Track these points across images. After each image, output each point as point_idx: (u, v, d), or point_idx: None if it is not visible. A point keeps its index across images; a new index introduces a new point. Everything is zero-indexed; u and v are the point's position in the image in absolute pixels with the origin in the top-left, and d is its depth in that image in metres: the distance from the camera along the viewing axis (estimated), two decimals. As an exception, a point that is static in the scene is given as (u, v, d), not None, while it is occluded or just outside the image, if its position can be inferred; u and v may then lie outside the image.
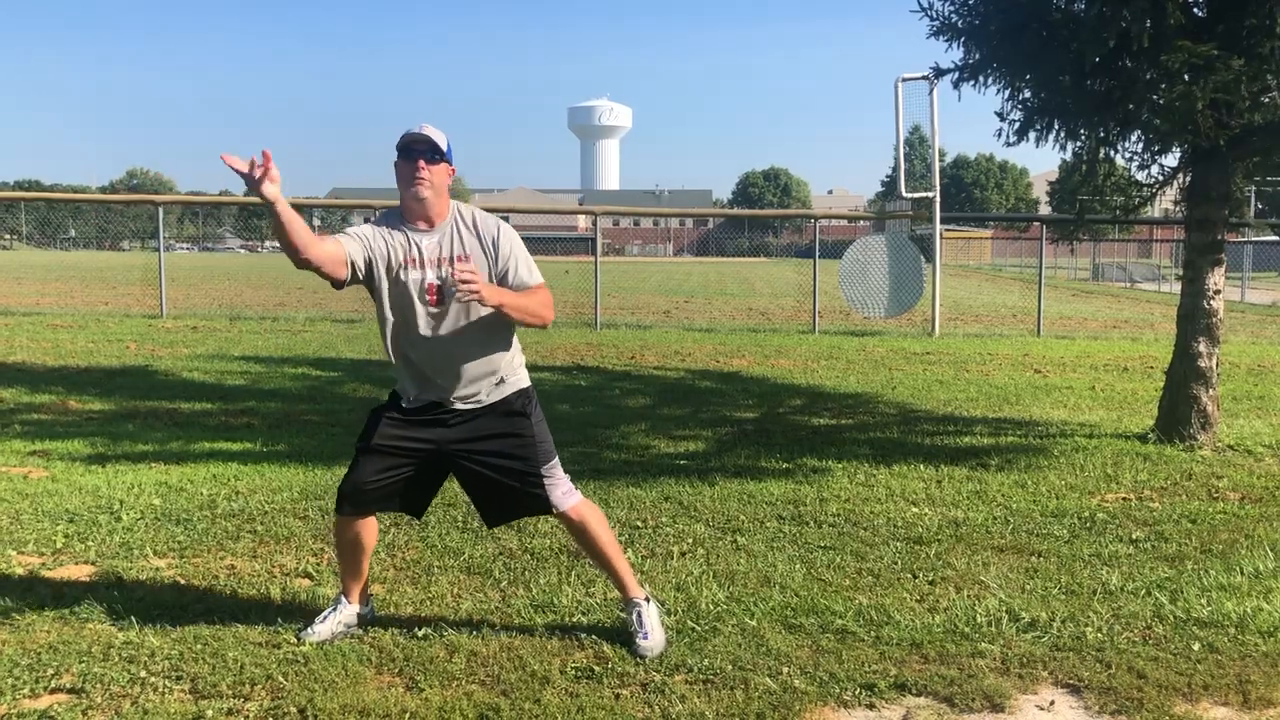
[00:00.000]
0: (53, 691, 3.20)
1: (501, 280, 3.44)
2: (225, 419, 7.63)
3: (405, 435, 3.52)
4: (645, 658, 3.47)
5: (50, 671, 3.31)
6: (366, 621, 3.75)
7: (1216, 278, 7.01)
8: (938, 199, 15.13)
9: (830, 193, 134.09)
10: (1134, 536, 4.96)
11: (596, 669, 3.41)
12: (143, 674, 3.31)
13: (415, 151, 3.36)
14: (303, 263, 3.25)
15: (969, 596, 4.12)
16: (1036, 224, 17.87)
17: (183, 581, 4.17)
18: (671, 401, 8.81)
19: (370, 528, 3.67)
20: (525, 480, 3.51)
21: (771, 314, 19.19)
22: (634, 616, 3.59)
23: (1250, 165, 7.27)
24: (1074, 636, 3.72)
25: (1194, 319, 7.02)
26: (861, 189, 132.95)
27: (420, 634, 3.66)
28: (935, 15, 7.64)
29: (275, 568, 4.37)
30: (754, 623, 3.80)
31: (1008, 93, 7.23)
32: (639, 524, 5.02)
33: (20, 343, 12.20)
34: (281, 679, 3.30)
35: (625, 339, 13.98)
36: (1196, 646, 3.64)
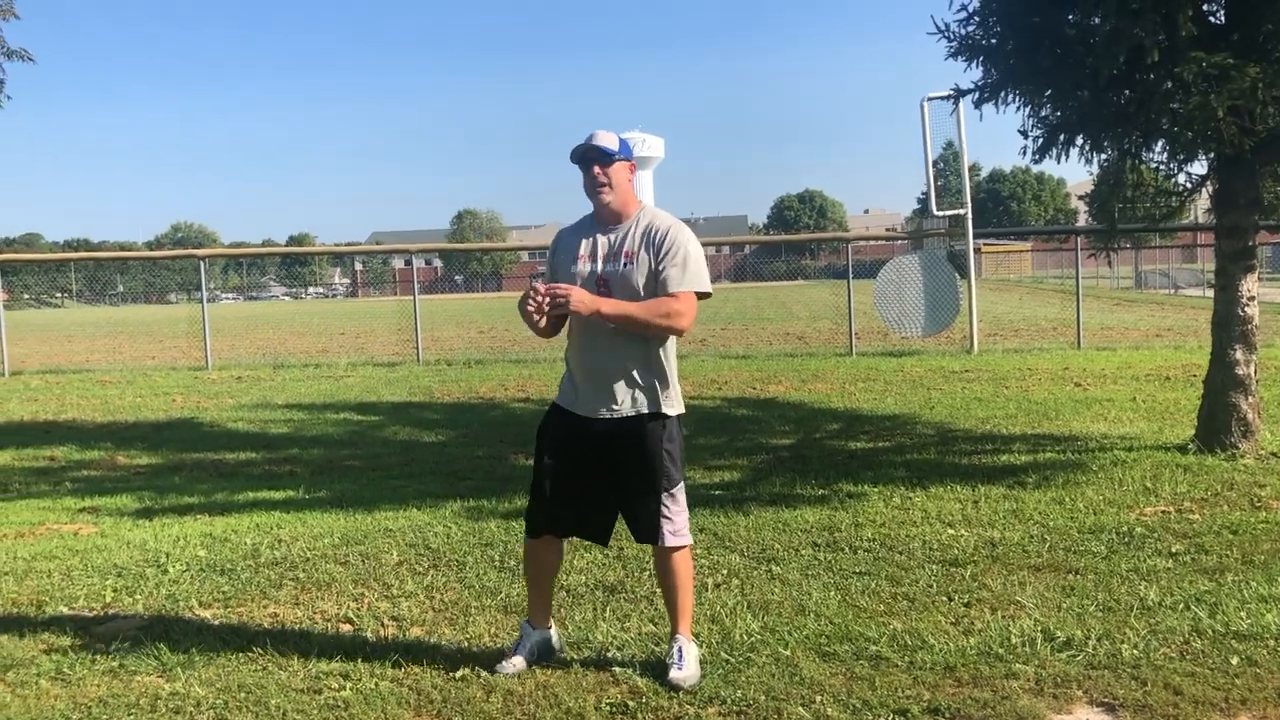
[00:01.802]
0: (102, 744, 3.29)
1: (653, 281, 3.53)
2: (269, 467, 7.77)
3: (565, 450, 3.66)
4: (679, 688, 3.51)
5: (100, 725, 3.41)
6: (555, 648, 3.84)
7: (1249, 283, 6.95)
8: (969, 216, 15.09)
9: (866, 212, 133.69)
10: (1173, 550, 4.92)
11: (631, 704, 3.44)
12: (189, 724, 3.39)
13: (590, 160, 3.56)
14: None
15: (1004, 617, 4.12)
16: (1073, 235, 17.75)
17: (227, 631, 4.26)
18: (707, 431, 8.85)
19: (558, 550, 3.83)
20: (649, 500, 3.60)
21: (808, 337, 19.18)
22: (675, 650, 3.64)
23: (1278, 169, 7.22)
24: (1109, 654, 3.70)
25: (1229, 326, 6.96)
26: (898, 207, 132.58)
27: (458, 675, 3.71)
28: (953, 36, 7.68)
29: (316, 614, 4.45)
30: (788, 652, 3.82)
31: (1028, 110, 7.25)
32: (674, 557, 5.05)
33: (71, 401, 12.49)
34: (323, 724, 3.37)
35: (662, 370, 14.02)
36: (1235, 660, 3.62)
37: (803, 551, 5.10)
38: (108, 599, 4.72)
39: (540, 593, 3.86)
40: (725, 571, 4.81)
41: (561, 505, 3.69)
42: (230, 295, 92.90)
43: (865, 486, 6.40)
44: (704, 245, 3.79)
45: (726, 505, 6.00)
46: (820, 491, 6.34)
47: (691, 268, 3.54)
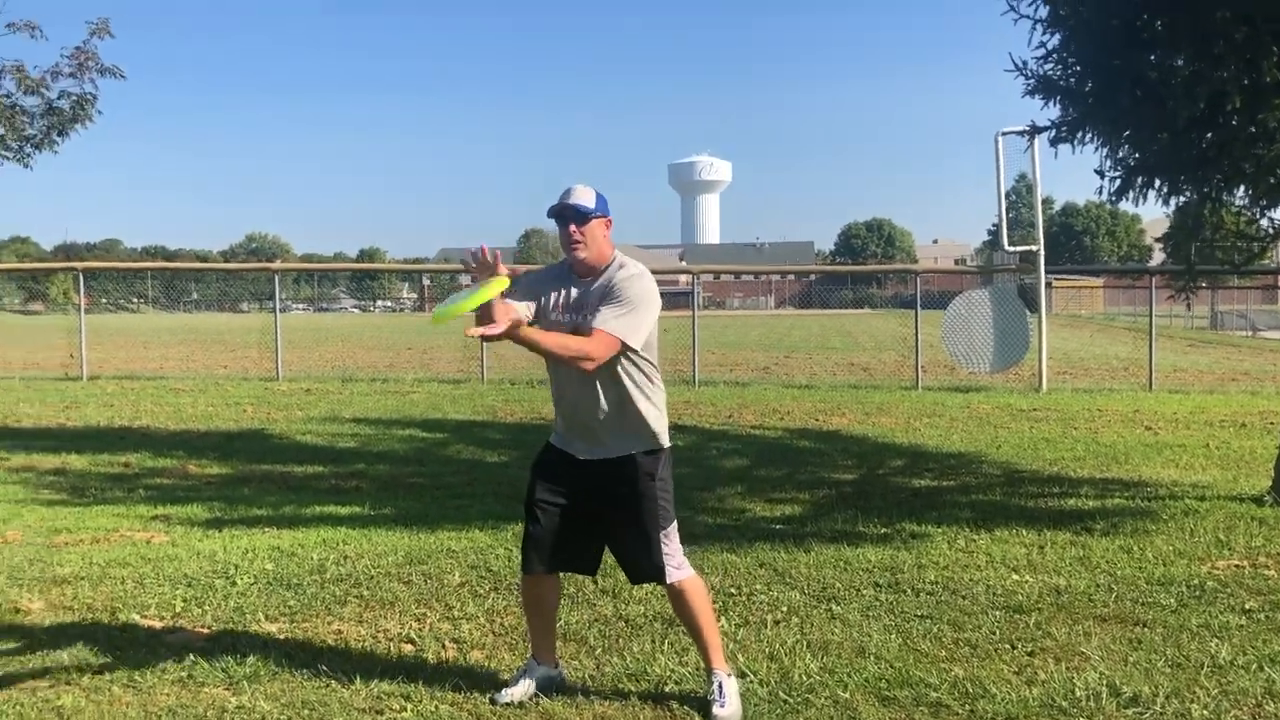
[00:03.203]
0: (171, 754, 3.37)
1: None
2: (335, 482, 7.90)
3: (556, 487, 3.70)
4: None
5: (169, 734, 3.49)
6: (556, 684, 3.85)
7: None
8: (1042, 252, 14.90)
9: (935, 242, 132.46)
10: (1246, 606, 4.81)
11: (688, 740, 3.45)
12: (254, 738, 3.46)
13: (565, 218, 3.60)
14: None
15: (1068, 669, 4.05)
16: (1148, 275, 17.42)
17: (292, 646, 4.34)
18: (769, 462, 8.82)
19: (554, 586, 3.86)
20: (645, 542, 3.62)
21: (873, 369, 19.03)
22: (715, 686, 3.64)
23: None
24: (1178, 714, 3.63)
25: (1310, 377, 6.79)
26: (967, 238, 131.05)
27: (517, 702, 3.74)
28: (1030, 74, 7.63)
29: (379, 633, 4.51)
30: (847, 695, 3.80)
31: (1105, 151, 7.16)
32: (733, 591, 5.05)
33: (145, 407, 12.80)
34: (383, 745, 3.42)
35: (723, 397, 14.02)
36: (1309, 726, 3.52)
37: (864, 591, 5.06)
38: (178, 608, 4.83)
39: (542, 628, 3.88)
40: (785, 609, 4.79)
41: (553, 541, 3.72)
42: (301, 306, 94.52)
43: (929, 526, 6.34)
44: (769, 272, 3.79)
45: (787, 540, 5.98)
46: (883, 530, 6.29)
47: (623, 314, 3.49)
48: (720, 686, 3.63)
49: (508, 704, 3.70)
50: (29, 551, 5.78)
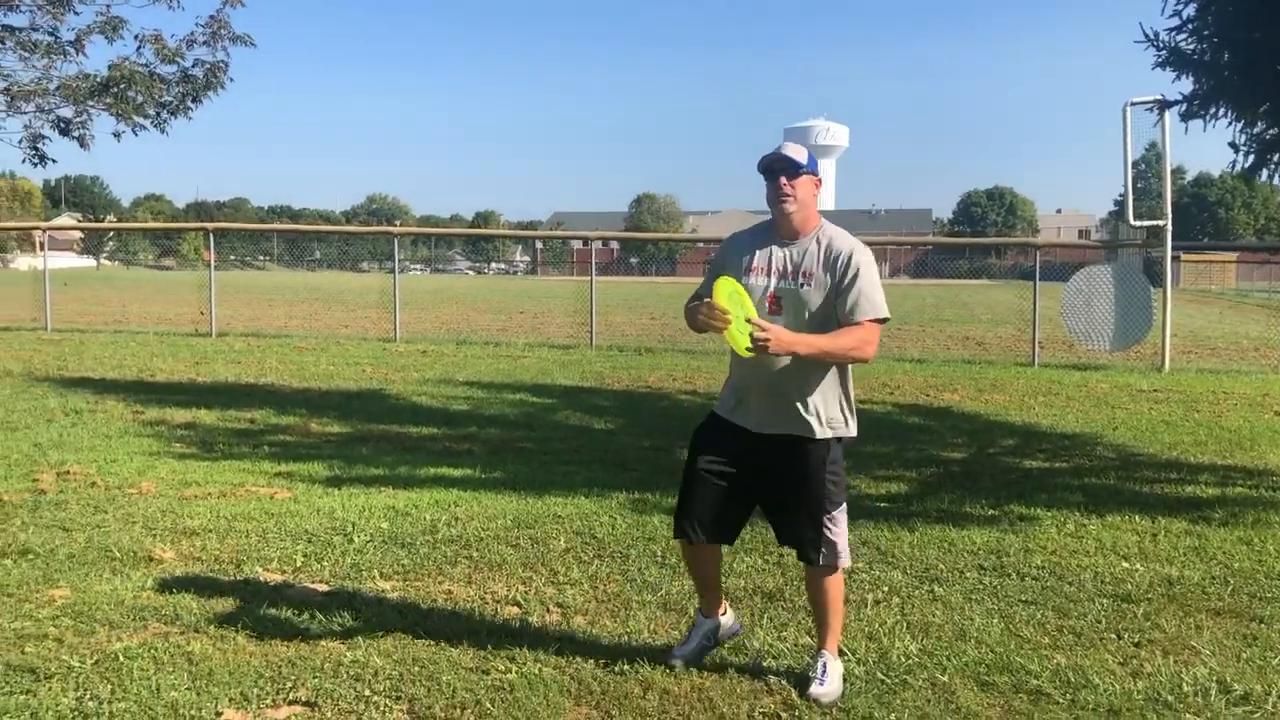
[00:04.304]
0: (290, 703, 3.56)
1: (837, 306, 3.51)
2: (448, 444, 8.13)
3: (719, 459, 3.70)
4: (819, 703, 3.56)
5: (289, 684, 3.68)
6: (731, 633, 3.96)
7: None
8: (1169, 227, 14.35)
9: (1059, 212, 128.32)
10: (1371, 606, 4.63)
11: (784, 715, 3.50)
12: (367, 692, 3.63)
13: (776, 170, 3.55)
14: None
15: (1177, 662, 3.98)
16: (1284, 251, 16.62)
17: (405, 604, 4.52)
18: (876, 439, 8.75)
19: (714, 551, 3.87)
20: (810, 521, 3.62)
21: (989, 344, 18.63)
22: (820, 664, 3.68)
23: None
24: (1290, 714, 3.54)
25: None
26: (1093, 207, 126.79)
27: (617, 669, 3.84)
28: (1161, 45, 7.36)
29: (487, 594, 4.66)
30: (945, 678, 3.80)
31: (1240, 125, 6.89)
32: (834, 568, 5.06)
33: (270, 365, 13.30)
34: (489, 705, 3.55)
35: (834, 369, 13.90)
36: None
37: (967, 574, 5.03)
38: (298, 563, 5.06)
39: (703, 586, 3.93)
40: (886, 589, 4.80)
41: (711, 513, 3.72)
42: (418, 267, 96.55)
43: (1038, 509, 6.24)
44: (883, 242, 3.74)
45: (891, 519, 5.95)
46: (990, 511, 6.22)
47: (875, 295, 3.50)
48: (824, 666, 3.66)
49: (685, 659, 3.79)
50: (161, 503, 6.10)
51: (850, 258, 3.52)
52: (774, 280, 3.59)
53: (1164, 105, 7.47)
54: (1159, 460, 7.98)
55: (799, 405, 3.59)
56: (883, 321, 3.53)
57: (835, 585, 3.73)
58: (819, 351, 3.44)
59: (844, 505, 3.70)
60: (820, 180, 3.66)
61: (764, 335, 3.32)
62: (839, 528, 3.67)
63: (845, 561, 3.71)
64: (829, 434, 3.63)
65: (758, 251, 3.64)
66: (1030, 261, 16.02)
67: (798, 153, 3.56)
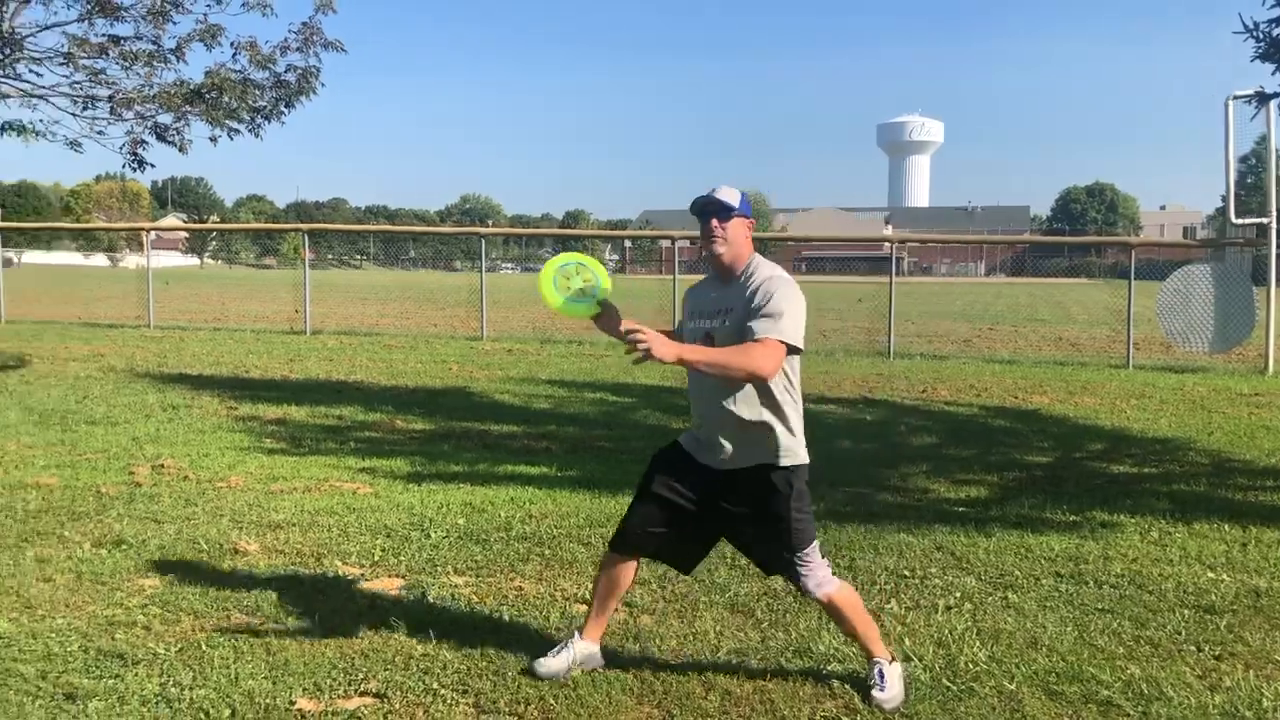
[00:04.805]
0: (361, 694, 3.66)
1: (746, 324, 3.49)
2: (527, 442, 8.23)
3: (675, 487, 3.72)
4: (880, 708, 3.54)
5: (360, 676, 3.79)
6: (595, 664, 3.89)
7: None
8: (1274, 225, 13.84)
9: (1163, 208, 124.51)
10: None
11: (844, 719, 3.49)
12: (435, 685, 3.72)
13: (708, 213, 3.62)
14: None
15: (1259, 677, 3.86)
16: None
17: (476, 599, 4.61)
18: (959, 441, 8.63)
19: (630, 571, 3.88)
20: (778, 560, 3.63)
21: (1082, 345, 18.20)
22: (875, 671, 3.65)
23: None
24: (1376, 734, 3.41)
25: None
26: (1199, 204, 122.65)
27: (681, 668, 3.87)
28: (1261, 37, 7.14)
29: (557, 592, 4.73)
30: (1013, 686, 3.75)
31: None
32: (906, 573, 5.02)
33: (360, 362, 13.62)
34: (552, 701, 3.61)
35: (918, 370, 13.74)
36: None
37: (1043, 581, 4.94)
38: (376, 557, 5.19)
39: (602, 608, 3.89)
40: (959, 594, 4.74)
41: (653, 535, 3.76)
42: (509, 265, 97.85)
43: (1121, 516, 6.09)
44: (970, 242, 3.69)
45: (968, 524, 5.87)
46: (1071, 517, 6.09)
47: (780, 319, 3.41)
48: (880, 672, 3.64)
49: (547, 675, 3.75)
50: (249, 497, 6.31)
51: (762, 285, 3.50)
52: (707, 321, 3.62)
53: (1264, 98, 7.21)
54: (1255, 467, 7.72)
55: (736, 433, 3.57)
56: (792, 350, 3.44)
57: (849, 607, 3.67)
58: (708, 362, 3.35)
59: (815, 542, 3.64)
60: (753, 221, 3.71)
61: (639, 338, 3.22)
62: (814, 561, 3.61)
63: (833, 585, 3.64)
64: (773, 462, 3.58)
65: (701, 298, 3.74)
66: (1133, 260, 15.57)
67: (730, 195, 3.62)
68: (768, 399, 3.56)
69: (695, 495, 3.69)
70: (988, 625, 4.36)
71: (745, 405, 3.56)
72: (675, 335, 3.81)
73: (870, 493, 6.67)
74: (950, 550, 5.39)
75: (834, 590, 3.64)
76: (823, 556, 3.69)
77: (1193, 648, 4.15)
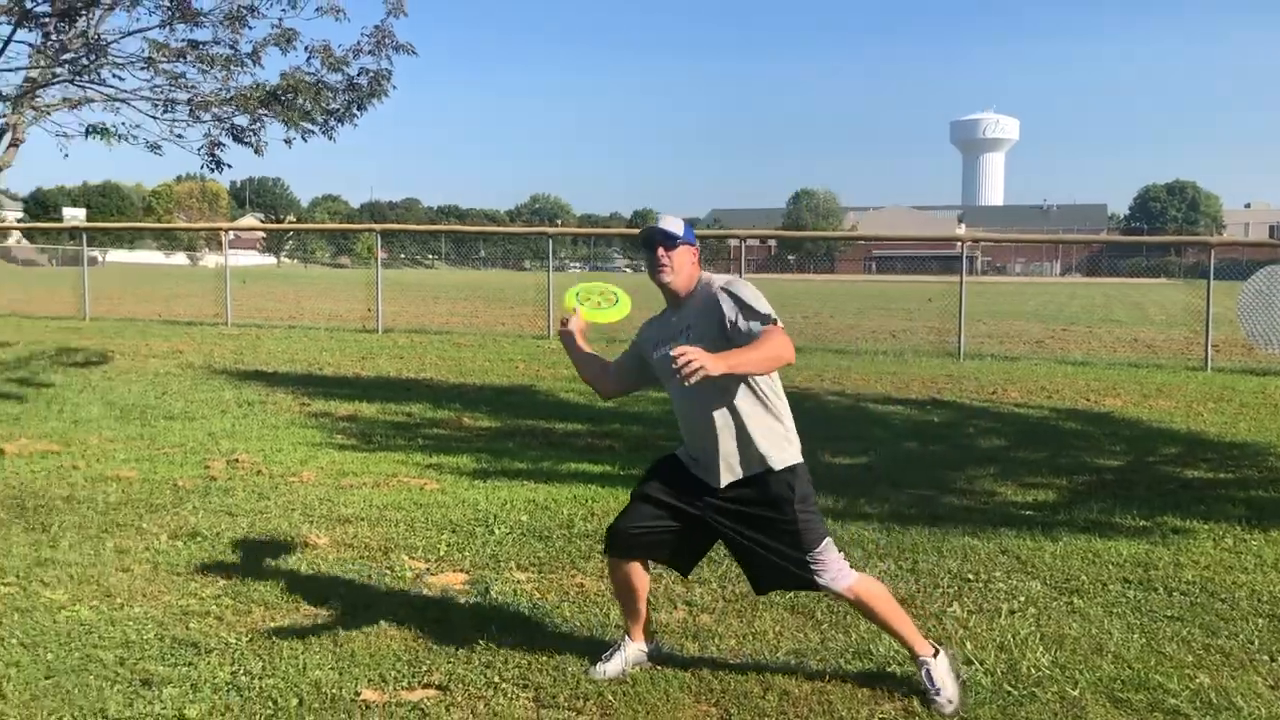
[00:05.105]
0: (424, 686, 3.73)
1: (731, 334, 3.47)
2: (591, 440, 8.29)
3: (675, 494, 3.72)
4: (941, 712, 3.52)
5: (424, 668, 3.86)
6: (656, 659, 3.94)
7: None
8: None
9: (1247, 206, 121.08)
10: None
11: (902, 722, 3.48)
12: (496, 679, 3.78)
13: (654, 243, 3.66)
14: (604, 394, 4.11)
15: (1334, 689, 3.76)
16: None
17: (538, 595, 4.67)
18: (1028, 444, 8.50)
19: (639, 573, 3.85)
20: (792, 564, 3.58)
21: (1158, 347, 17.78)
22: (923, 674, 3.62)
23: None
24: None
25: None
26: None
27: (739, 667, 3.88)
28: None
29: (618, 590, 4.76)
30: (1076, 693, 3.70)
31: None
32: (970, 577, 4.97)
33: (430, 360, 13.81)
34: (611, 697, 3.65)
35: (988, 371, 13.55)
36: None
37: (1111, 586, 4.86)
38: (441, 552, 5.28)
39: (630, 608, 3.90)
40: (1023, 599, 4.68)
41: (644, 538, 3.75)
42: (578, 264, 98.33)
43: (1194, 522, 5.96)
44: (1050, 240, 3.60)
45: (1035, 528, 5.79)
46: (1141, 523, 5.97)
47: (756, 303, 3.45)
48: (929, 673, 3.61)
49: (602, 678, 3.76)
50: (320, 491, 6.45)
51: (717, 290, 3.54)
52: (667, 346, 3.56)
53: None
54: (1337, 473, 7.50)
55: (732, 444, 3.56)
56: (776, 323, 3.45)
57: (876, 599, 3.63)
58: (754, 359, 3.33)
59: (828, 539, 3.60)
60: (697, 249, 3.72)
61: (686, 358, 3.10)
62: (828, 558, 3.57)
63: (850, 578, 3.59)
64: (785, 464, 3.57)
65: (658, 327, 3.77)
66: (1218, 259, 15.18)
67: (674, 225, 3.65)
68: (759, 404, 3.57)
69: (690, 501, 3.68)
70: (1052, 630, 4.30)
71: (737, 415, 3.55)
72: (623, 366, 4.01)
73: (935, 495, 6.61)
74: (1015, 554, 5.33)
75: (854, 582, 3.61)
76: (839, 552, 3.65)
77: (1265, 657, 4.06)
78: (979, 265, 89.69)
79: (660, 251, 3.64)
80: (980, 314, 24.72)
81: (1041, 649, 4.09)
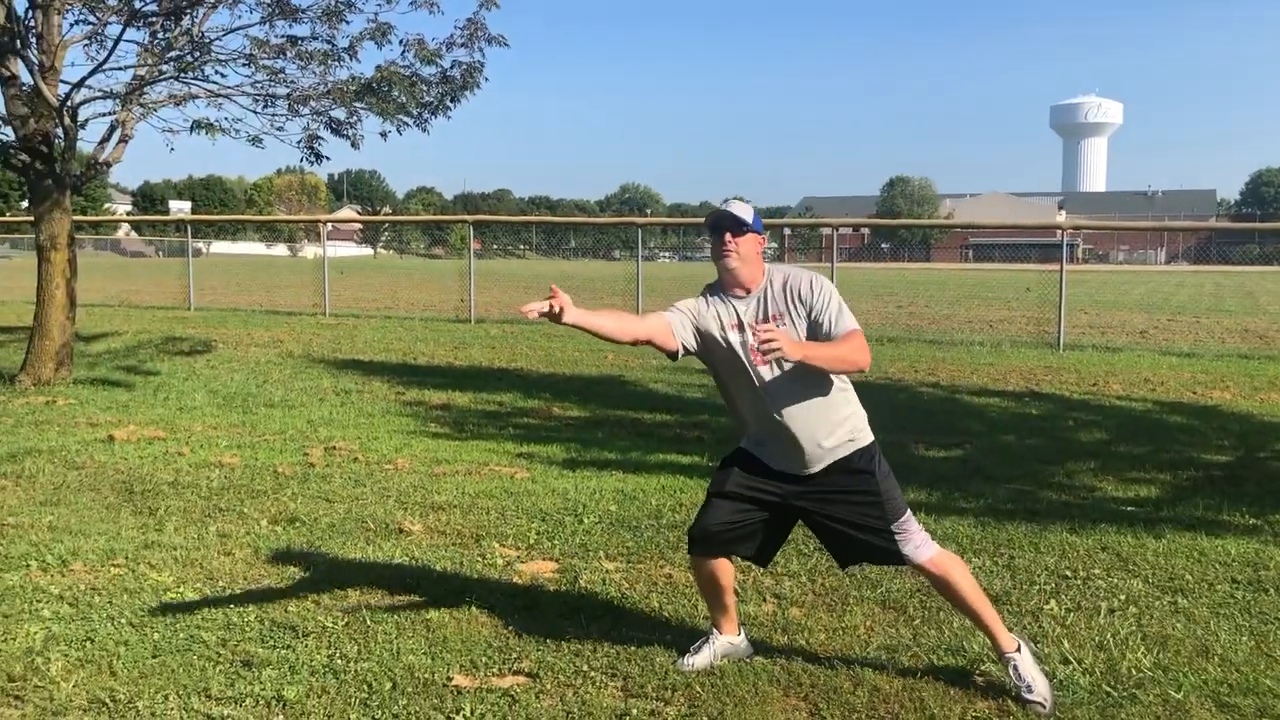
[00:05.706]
0: (514, 673, 3.77)
1: (814, 332, 3.52)
2: (679, 431, 8.29)
3: (754, 484, 3.70)
4: (1039, 712, 3.43)
5: (514, 655, 3.90)
6: (744, 653, 3.93)
7: None
8: None
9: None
10: None
11: (996, 721, 3.40)
12: (585, 667, 3.80)
13: (721, 227, 3.61)
14: (632, 343, 3.64)
15: None
16: None
17: (626, 585, 4.68)
18: (1130, 438, 8.26)
19: (724, 567, 3.85)
20: (877, 536, 3.59)
21: (1271, 337, 17.11)
22: (1010, 671, 3.55)
23: None
24: None
25: None
26: None
27: (829, 662, 3.84)
28: None
29: (707, 581, 4.75)
30: (1179, 695, 3.58)
31: None
32: (1068, 574, 4.84)
33: (521, 350, 13.95)
34: (699, 689, 3.64)
35: (1089, 363, 13.19)
36: None
37: (1217, 586, 4.69)
38: (531, 540, 5.33)
39: (717, 603, 3.89)
40: (1124, 597, 4.55)
41: (731, 534, 3.74)
42: (667, 254, 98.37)
43: (1308, 520, 5.73)
44: (1155, 228, 3.51)
45: (1137, 524, 5.62)
46: (1251, 520, 5.76)
47: (842, 309, 3.51)
48: (1015, 669, 3.53)
49: (690, 670, 3.76)
50: (414, 479, 6.56)
51: (811, 284, 3.55)
52: (750, 334, 3.53)
53: None
54: None
55: (816, 432, 3.55)
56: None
57: (955, 572, 3.60)
58: (816, 356, 3.37)
59: (909, 511, 3.62)
60: (764, 238, 3.67)
61: (770, 339, 3.16)
62: (911, 528, 3.59)
63: (933, 548, 3.60)
64: (864, 441, 3.63)
65: (722, 311, 3.64)
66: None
67: (743, 210, 3.61)
68: (838, 389, 3.60)
69: (770, 491, 3.68)
70: (1154, 631, 4.17)
71: (822, 402, 3.56)
72: (671, 324, 3.64)
73: (1033, 489, 6.45)
74: (1116, 551, 5.18)
75: (936, 554, 3.60)
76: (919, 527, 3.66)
77: (1384, 664, 3.88)
78: (1080, 253, 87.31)
79: (728, 237, 3.62)
80: (1081, 303, 24.08)
81: (1143, 649, 3.97)
